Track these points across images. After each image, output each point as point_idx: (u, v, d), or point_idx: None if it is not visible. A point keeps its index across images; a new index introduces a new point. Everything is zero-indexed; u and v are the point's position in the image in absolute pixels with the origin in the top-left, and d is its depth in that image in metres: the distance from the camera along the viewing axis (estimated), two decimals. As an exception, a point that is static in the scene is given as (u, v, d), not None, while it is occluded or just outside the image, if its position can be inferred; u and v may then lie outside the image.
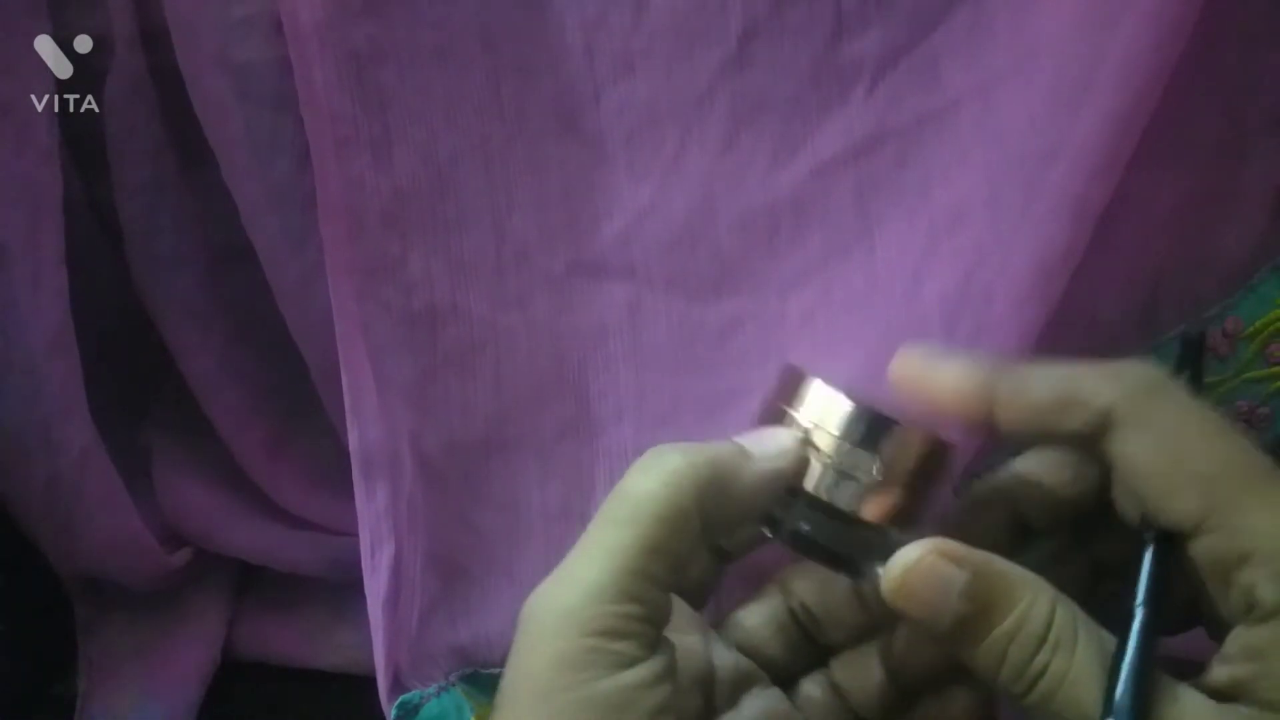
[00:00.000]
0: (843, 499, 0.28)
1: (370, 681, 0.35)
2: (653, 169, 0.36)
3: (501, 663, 0.35)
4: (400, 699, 0.35)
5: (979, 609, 0.25)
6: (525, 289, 0.36)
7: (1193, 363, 0.29)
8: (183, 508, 0.44)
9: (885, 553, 0.27)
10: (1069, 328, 0.34)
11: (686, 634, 0.29)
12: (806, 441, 0.28)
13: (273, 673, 0.46)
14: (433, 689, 0.36)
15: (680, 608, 0.30)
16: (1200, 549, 0.25)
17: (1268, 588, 0.24)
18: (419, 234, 0.35)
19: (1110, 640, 0.25)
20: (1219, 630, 0.25)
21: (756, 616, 0.31)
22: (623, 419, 0.37)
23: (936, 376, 0.28)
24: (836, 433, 0.27)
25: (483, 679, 0.36)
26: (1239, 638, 0.24)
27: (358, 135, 0.34)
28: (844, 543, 0.28)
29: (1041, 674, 0.25)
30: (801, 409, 0.28)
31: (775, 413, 0.29)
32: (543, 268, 0.36)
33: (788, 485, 0.28)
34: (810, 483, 0.28)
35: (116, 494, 0.40)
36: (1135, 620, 0.25)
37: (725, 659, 0.30)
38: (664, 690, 0.25)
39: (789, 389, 0.29)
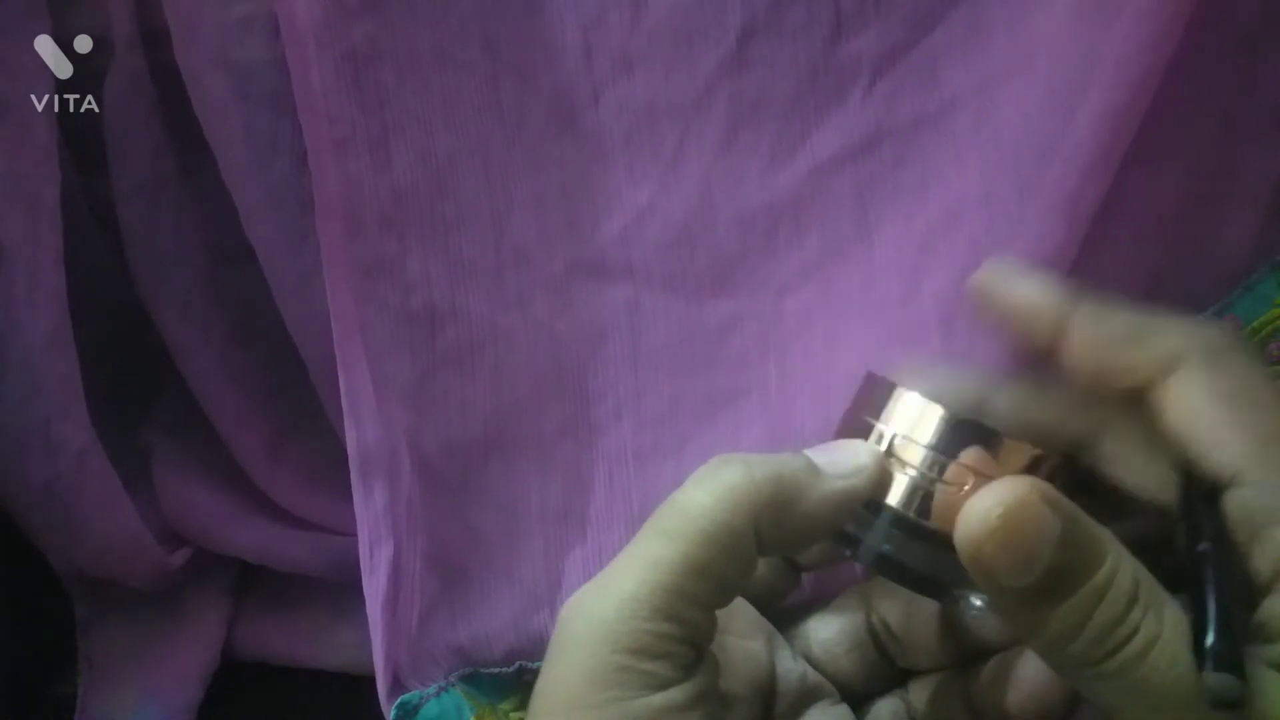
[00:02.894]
0: (931, 516, 0.25)
1: (370, 681, 0.35)
2: (651, 169, 0.36)
3: (502, 662, 0.36)
4: (400, 699, 0.35)
5: (1071, 562, 0.23)
6: (524, 289, 0.36)
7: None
8: (183, 508, 0.44)
9: None
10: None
11: (750, 639, 0.28)
12: (890, 454, 0.26)
13: (273, 673, 0.46)
14: (432, 689, 0.36)
15: (746, 611, 0.29)
16: (1234, 501, 0.24)
17: None
18: (417, 234, 0.35)
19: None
20: (1251, 595, 0.24)
21: (831, 629, 0.30)
22: (622, 419, 0.37)
23: (1015, 289, 0.27)
24: (926, 443, 0.25)
25: (482, 679, 0.36)
26: (1275, 614, 0.23)
27: (355, 135, 0.34)
28: (932, 564, 0.25)
29: (1132, 635, 0.23)
30: (887, 419, 0.26)
31: (857, 424, 0.27)
32: (541, 268, 0.36)
33: (867, 501, 0.26)
34: (895, 498, 0.26)
35: (115, 494, 0.40)
36: (1208, 561, 0.23)
37: (791, 669, 0.29)
38: (697, 715, 0.24)
39: (873, 399, 0.27)
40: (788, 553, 0.29)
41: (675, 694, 0.23)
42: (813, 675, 0.29)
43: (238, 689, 0.45)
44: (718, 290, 0.37)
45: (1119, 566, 0.23)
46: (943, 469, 0.25)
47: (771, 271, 0.37)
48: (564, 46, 0.36)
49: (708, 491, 0.25)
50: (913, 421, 0.26)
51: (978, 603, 0.26)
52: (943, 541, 0.25)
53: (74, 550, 0.41)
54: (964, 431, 0.25)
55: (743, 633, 0.28)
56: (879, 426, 0.26)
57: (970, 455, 0.25)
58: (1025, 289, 0.27)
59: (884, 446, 0.26)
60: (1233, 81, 0.34)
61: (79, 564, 0.42)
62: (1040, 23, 0.33)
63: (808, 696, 0.29)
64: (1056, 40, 0.33)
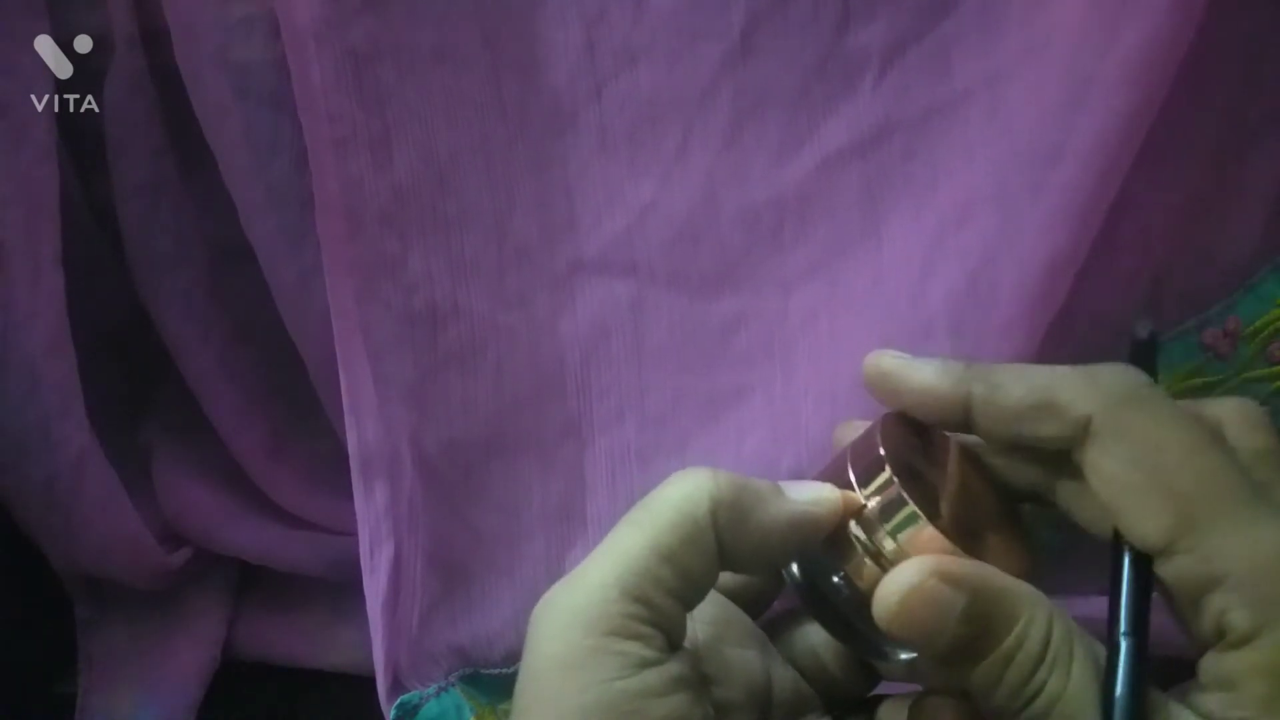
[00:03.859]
0: (871, 586, 0.26)
1: (370, 681, 0.35)
2: (655, 165, 0.36)
3: (502, 663, 0.36)
4: (400, 699, 0.35)
5: (977, 631, 0.25)
6: (526, 287, 0.36)
7: (1145, 366, 0.27)
8: (183, 508, 0.44)
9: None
10: (1071, 326, 0.34)
11: (746, 648, 0.29)
12: (859, 519, 0.27)
13: (273, 673, 0.46)
14: (432, 689, 0.36)
15: (741, 620, 0.29)
16: (1170, 571, 0.24)
17: (1239, 614, 0.23)
18: (419, 233, 0.35)
19: (1103, 652, 0.25)
20: (1193, 646, 0.25)
21: (819, 634, 0.30)
22: (624, 418, 0.37)
23: (910, 377, 0.27)
24: (880, 519, 0.26)
25: (483, 679, 0.36)
26: (1212, 667, 0.24)
27: (356, 134, 0.33)
28: (864, 625, 0.27)
29: (1037, 693, 0.24)
30: (864, 484, 0.27)
31: (839, 478, 0.27)
32: (544, 266, 0.36)
33: (823, 553, 0.27)
34: (846, 560, 0.27)
35: (115, 494, 0.40)
36: (1122, 652, 0.24)
37: (785, 678, 0.29)
38: (677, 700, 0.24)
39: (859, 459, 0.27)
40: (748, 569, 0.29)
41: (652, 676, 0.24)
42: (803, 686, 0.30)
43: (238, 689, 0.45)
44: (722, 287, 0.37)
45: (1028, 632, 0.25)
46: (887, 546, 0.26)
47: (777, 268, 0.37)
48: (566, 42, 0.36)
49: (674, 488, 0.26)
50: (882, 501, 0.26)
51: (902, 657, 0.28)
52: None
53: (74, 550, 0.41)
54: (923, 524, 0.26)
55: (739, 641, 0.29)
56: (853, 481, 0.27)
57: (918, 543, 0.26)
58: (918, 375, 0.27)
59: (855, 507, 0.27)
60: (1237, 81, 0.34)
61: (79, 564, 0.42)
62: (1055, 11, 0.33)
63: (801, 706, 0.29)
64: (1070, 31, 0.32)
